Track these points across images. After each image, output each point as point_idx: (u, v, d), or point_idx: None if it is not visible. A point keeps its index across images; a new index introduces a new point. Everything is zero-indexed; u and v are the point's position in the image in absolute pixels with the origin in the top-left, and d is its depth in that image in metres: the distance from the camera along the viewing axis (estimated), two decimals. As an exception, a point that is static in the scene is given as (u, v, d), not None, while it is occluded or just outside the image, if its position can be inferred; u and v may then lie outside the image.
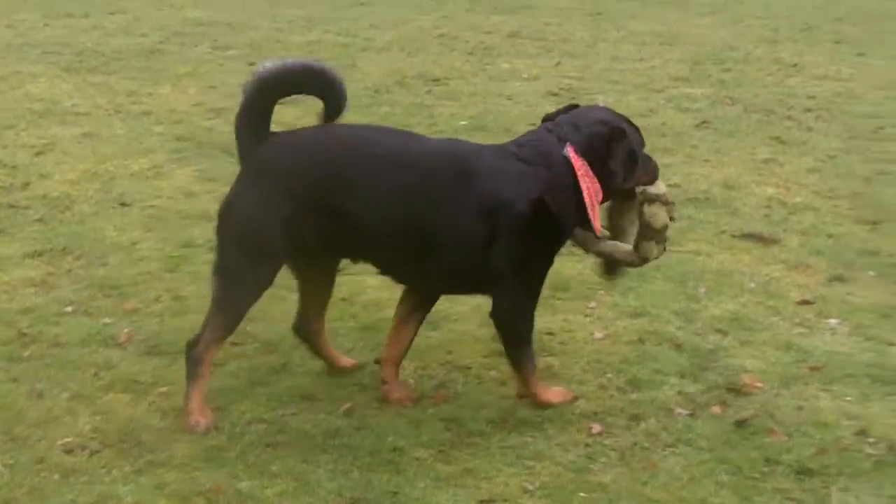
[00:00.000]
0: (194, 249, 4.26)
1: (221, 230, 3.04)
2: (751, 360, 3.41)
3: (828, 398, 3.19)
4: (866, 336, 3.60)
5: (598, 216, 2.98)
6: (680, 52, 8.08)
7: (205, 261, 4.15)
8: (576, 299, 3.84)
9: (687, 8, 10.21)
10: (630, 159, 3.03)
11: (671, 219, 3.10)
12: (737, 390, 3.22)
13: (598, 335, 3.60)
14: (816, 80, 7.28)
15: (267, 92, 3.00)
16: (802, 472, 2.82)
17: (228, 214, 3.03)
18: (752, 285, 3.97)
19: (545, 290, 3.16)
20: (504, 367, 3.34)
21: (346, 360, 3.36)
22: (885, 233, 4.54)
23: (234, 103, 6.26)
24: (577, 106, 3.20)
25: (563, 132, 3.02)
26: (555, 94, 6.78)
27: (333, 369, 3.33)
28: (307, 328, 3.29)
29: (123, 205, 4.77)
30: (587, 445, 2.95)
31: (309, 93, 3.08)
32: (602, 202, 3.05)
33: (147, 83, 7.02)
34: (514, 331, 3.10)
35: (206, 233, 4.42)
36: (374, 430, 3.00)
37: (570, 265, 3.97)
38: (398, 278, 3.20)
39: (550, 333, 3.58)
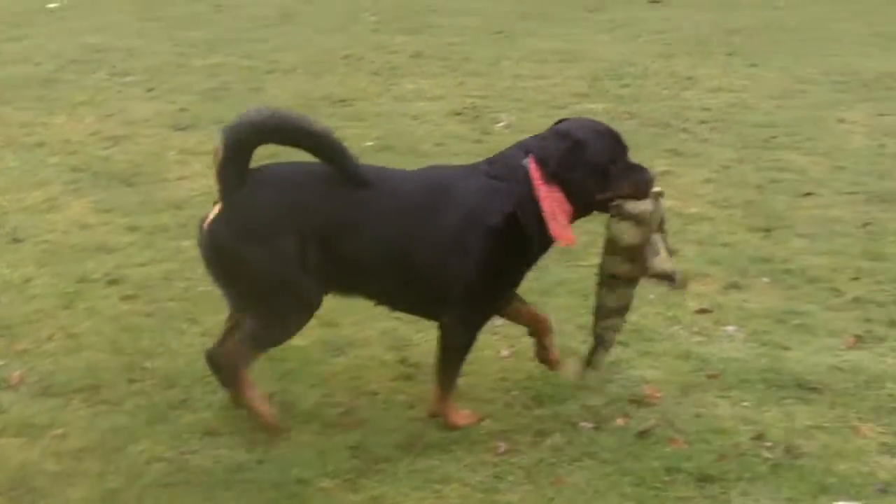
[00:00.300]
0: (90, 284, 4.14)
1: (236, 275, 2.98)
2: (651, 371, 3.47)
3: (726, 405, 3.27)
4: (761, 342, 3.70)
5: (561, 225, 2.96)
6: (579, 69, 8.22)
7: (101, 296, 4.05)
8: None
9: (586, 25, 10.40)
10: (596, 171, 3.00)
11: (670, 251, 3.06)
12: (638, 401, 3.28)
13: (504, 353, 3.62)
14: (711, 93, 7.48)
15: (258, 139, 2.96)
16: (703, 479, 2.88)
17: (240, 262, 2.95)
18: (652, 296, 4.04)
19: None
20: (412, 390, 3.33)
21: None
22: (777, 240, 4.68)
23: (132, 131, 6.08)
24: (566, 119, 3.23)
25: (530, 145, 3.05)
26: (458, 114, 6.83)
27: (238, 401, 3.26)
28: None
29: (16, 240, 4.61)
30: (494, 465, 2.96)
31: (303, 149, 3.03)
32: (579, 216, 3.06)
33: (42, 113, 6.80)
34: (461, 344, 3.13)
35: (102, 266, 4.31)
36: (279, 463, 2.95)
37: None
38: (393, 307, 3.22)
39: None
